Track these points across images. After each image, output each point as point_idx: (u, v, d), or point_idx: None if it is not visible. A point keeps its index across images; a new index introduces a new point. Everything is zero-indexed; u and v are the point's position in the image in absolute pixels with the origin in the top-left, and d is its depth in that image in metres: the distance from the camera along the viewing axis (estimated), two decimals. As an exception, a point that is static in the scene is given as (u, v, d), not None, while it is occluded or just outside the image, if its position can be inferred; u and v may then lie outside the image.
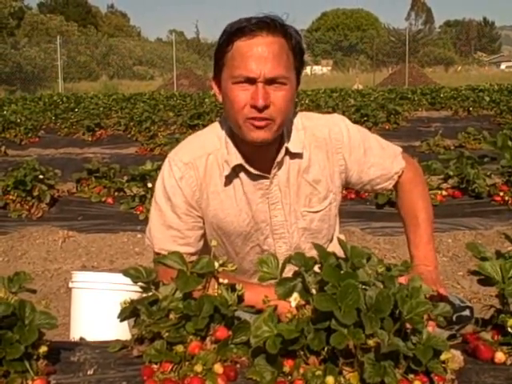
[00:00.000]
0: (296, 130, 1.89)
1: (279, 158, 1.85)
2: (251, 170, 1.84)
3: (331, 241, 2.04)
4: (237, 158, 1.83)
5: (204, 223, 1.91)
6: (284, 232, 1.92)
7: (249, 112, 1.72)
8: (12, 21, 36.66)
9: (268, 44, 1.71)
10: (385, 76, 30.80)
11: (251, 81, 1.71)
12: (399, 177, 2.00)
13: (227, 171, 1.84)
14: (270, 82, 1.71)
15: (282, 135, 1.85)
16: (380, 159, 1.97)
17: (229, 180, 1.86)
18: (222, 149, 1.86)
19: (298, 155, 1.88)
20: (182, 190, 1.85)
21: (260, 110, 1.71)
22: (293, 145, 1.86)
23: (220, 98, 1.83)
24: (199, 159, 1.86)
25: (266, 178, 1.86)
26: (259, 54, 1.70)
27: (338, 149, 1.92)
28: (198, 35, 58.90)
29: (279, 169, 1.87)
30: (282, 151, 1.85)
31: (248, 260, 1.96)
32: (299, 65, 1.81)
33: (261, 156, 1.84)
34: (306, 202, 1.91)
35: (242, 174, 1.86)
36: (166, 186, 1.87)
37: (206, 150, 1.87)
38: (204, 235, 1.94)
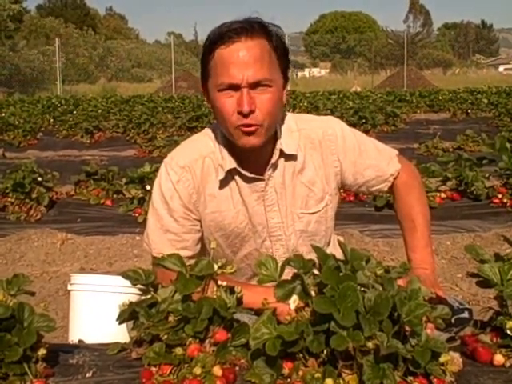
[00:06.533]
0: (290, 131, 1.89)
1: (274, 160, 1.85)
2: (245, 173, 1.84)
3: (328, 244, 2.04)
4: (230, 163, 1.83)
5: (201, 226, 1.91)
6: (281, 234, 1.92)
7: (237, 119, 1.72)
8: (11, 23, 36.63)
9: (248, 48, 1.70)
10: (383, 78, 30.84)
11: (235, 87, 1.71)
12: (395, 179, 2.00)
13: (222, 175, 1.84)
14: (254, 86, 1.70)
15: (276, 136, 1.85)
16: (375, 161, 1.97)
17: (225, 183, 1.86)
18: (217, 153, 1.86)
19: (293, 157, 1.88)
20: (179, 193, 1.85)
21: (246, 116, 1.70)
22: (287, 146, 1.86)
23: (210, 106, 1.84)
24: (195, 162, 1.86)
25: (261, 180, 1.86)
26: (240, 60, 1.69)
27: (332, 150, 1.92)
28: (197, 37, 59.06)
29: (274, 170, 1.87)
30: (277, 153, 1.84)
31: (246, 263, 1.96)
32: (284, 64, 1.80)
33: (255, 159, 1.84)
34: (303, 204, 1.91)
35: (237, 177, 1.86)
36: (162, 190, 1.87)
37: (201, 153, 1.87)
38: (201, 238, 1.93)
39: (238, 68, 1.69)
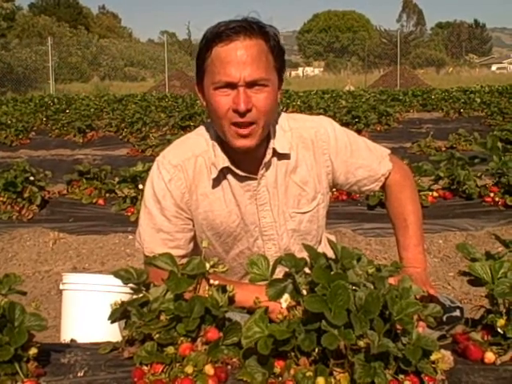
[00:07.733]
0: (283, 131, 1.90)
1: (267, 159, 1.85)
2: (238, 172, 1.84)
3: (320, 242, 2.04)
4: (224, 161, 1.83)
5: (194, 225, 1.91)
6: (273, 233, 1.93)
7: (232, 117, 1.73)
8: (3, 22, 36.44)
9: (246, 48, 1.71)
10: (376, 77, 30.85)
11: (232, 86, 1.71)
12: (386, 178, 2.01)
13: (214, 174, 1.84)
14: (250, 85, 1.71)
15: (269, 136, 1.85)
16: (367, 161, 1.98)
17: (217, 182, 1.86)
18: (210, 151, 1.86)
19: (286, 156, 1.88)
20: (172, 192, 1.85)
21: (242, 115, 1.71)
22: (280, 145, 1.86)
23: (204, 104, 1.84)
24: (188, 161, 1.86)
25: (254, 179, 1.86)
26: (238, 59, 1.70)
27: (324, 150, 1.93)
28: (190, 36, 58.93)
29: (267, 170, 1.87)
30: (270, 152, 1.85)
31: (238, 262, 1.96)
32: (280, 64, 1.81)
33: (248, 158, 1.85)
34: (295, 203, 1.92)
35: (229, 176, 1.86)
36: (155, 189, 1.86)
37: (194, 152, 1.87)
38: (194, 237, 1.93)
39: (235, 67, 1.70)
